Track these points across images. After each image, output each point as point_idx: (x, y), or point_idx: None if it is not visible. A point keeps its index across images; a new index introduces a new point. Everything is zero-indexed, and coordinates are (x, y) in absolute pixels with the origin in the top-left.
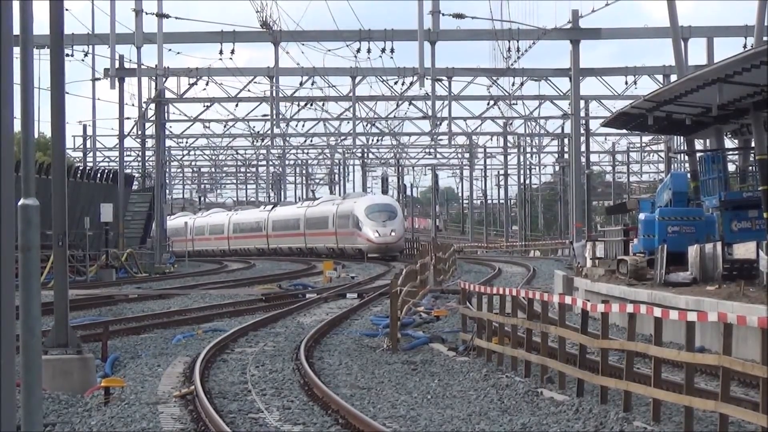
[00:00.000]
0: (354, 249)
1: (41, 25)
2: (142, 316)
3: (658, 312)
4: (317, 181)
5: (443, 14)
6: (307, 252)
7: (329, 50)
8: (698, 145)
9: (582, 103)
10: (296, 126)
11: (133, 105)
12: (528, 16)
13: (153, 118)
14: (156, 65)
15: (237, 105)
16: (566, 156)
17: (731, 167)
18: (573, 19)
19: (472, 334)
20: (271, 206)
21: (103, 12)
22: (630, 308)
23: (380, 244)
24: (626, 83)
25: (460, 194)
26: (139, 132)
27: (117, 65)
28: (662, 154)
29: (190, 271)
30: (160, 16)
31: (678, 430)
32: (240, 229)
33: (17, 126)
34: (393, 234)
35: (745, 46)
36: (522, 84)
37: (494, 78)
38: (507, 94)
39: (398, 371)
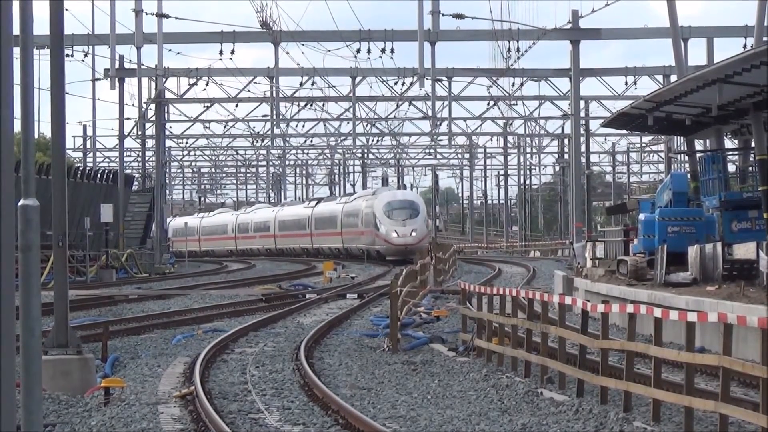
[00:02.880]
0: (373, 250)
1: (41, 25)
2: (142, 317)
3: (658, 312)
4: (317, 181)
5: (443, 14)
6: (343, 253)
7: (329, 50)
8: (698, 145)
9: (582, 103)
10: (296, 126)
11: (133, 105)
12: (528, 16)
13: (153, 119)
14: (156, 65)
15: (237, 105)
16: (566, 156)
17: (731, 167)
18: (573, 20)
19: (472, 335)
20: (315, 201)
21: (103, 12)
22: (630, 308)
23: (399, 245)
24: (626, 84)
25: (460, 194)
26: (139, 132)
27: (117, 65)
28: (662, 155)
29: (190, 272)
30: (160, 16)
31: (678, 430)
32: (285, 227)
33: (17, 126)
34: (414, 234)
35: (745, 47)
36: (522, 84)
37: (494, 78)
38: (507, 94)
39: (398, 371)
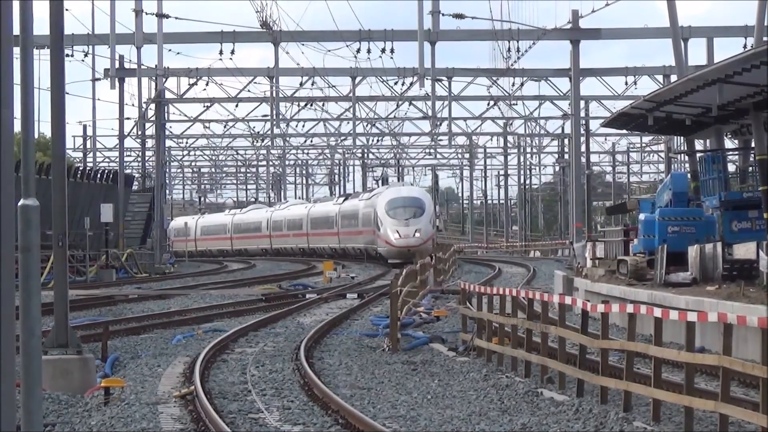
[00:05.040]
0: (376, 252)
1: (41, 25)
2: (142, 316)
3: (658, 312)
4: (317, 181)
5: (443, 14)
6: (364, 254)
7: (329, 50)
8: (698, 145)
9: (582, 103)
10: (296, 126)
11: (133, 105)
12: (528, 16)
13: (153, 119)
14: (156, 65)
15: (237, 105)
16: (566, 156)
17: (731, 167)
18: (573, 20)
19: (472, 335)
20: (343, 198)
21: (103, 12)
22: (630, 308)
23: (401, 247)
24: (626, 83)
25: (460, 194)
26: (139, 132)
27: (117, 65)
28: (662, 155)
29: (190, 272)
30: (160, 16)
31: (678, 430)
32: (317, 224)
33: (17, 126)
34: (417, 235)
35: (745, 46)
36: (522, 84)
37: (494, 78)
38: (507, 94)
39: (398, 371)
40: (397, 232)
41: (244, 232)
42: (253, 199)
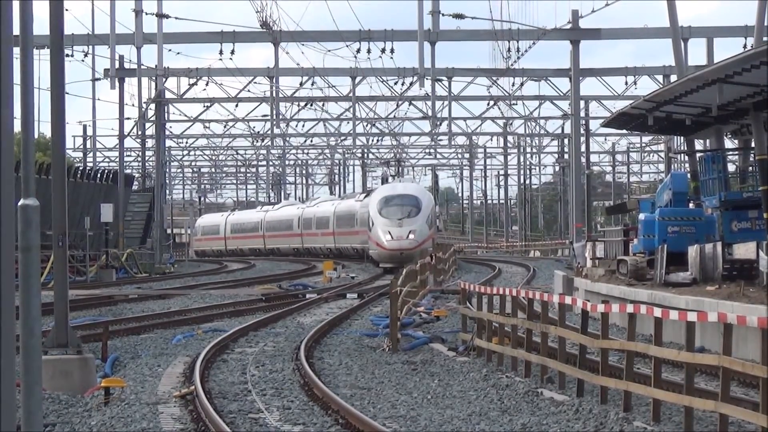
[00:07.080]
0: (367, 255)
1: (41, 25)
2: (142, 316)
3: (658, 312)
4: (317, 181)
5: (443, 14)
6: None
7: (329, 50)
8: (698, 145)
9: (582, 103)
10: (296, 126)
11: (133, 105)
12: (528, 16)
13: (153, 119)
14: (156, 65)
15: (237, 105)
16: (566, 156)
17: (731, 167)
18: (573, 20)
19: (472, 334)
20: (364, 195)
21: (103, 12)
22: (630, 308)
23: (393, 250)
24: (626, 83)
25: (460, 194)
26: (139, 132)
27: (117, 65)
28: (662, 154)
29: (190, 272)
30: (160, 16)
31: (678, 430)
32: (342, 223)
33: (17, 126)
34: (411, 237)
35: (745, 47)
36: (522, 84)
37: (494, 78)
38: (507, 94)
39: (398, 371)
40: (389, 233)
41: (276, 230)
42: (252, 199)
